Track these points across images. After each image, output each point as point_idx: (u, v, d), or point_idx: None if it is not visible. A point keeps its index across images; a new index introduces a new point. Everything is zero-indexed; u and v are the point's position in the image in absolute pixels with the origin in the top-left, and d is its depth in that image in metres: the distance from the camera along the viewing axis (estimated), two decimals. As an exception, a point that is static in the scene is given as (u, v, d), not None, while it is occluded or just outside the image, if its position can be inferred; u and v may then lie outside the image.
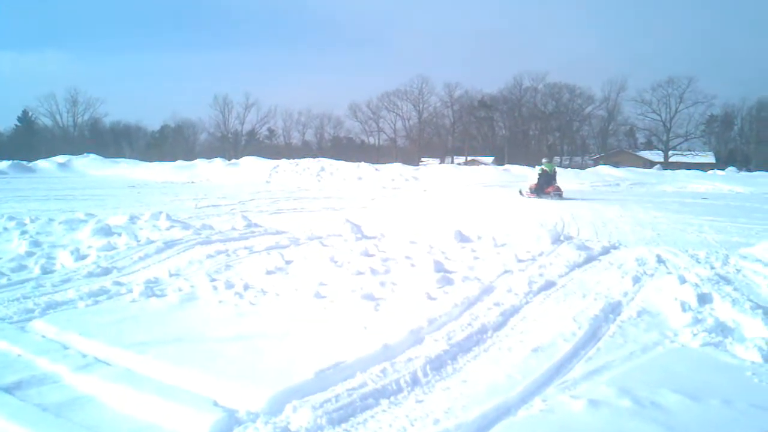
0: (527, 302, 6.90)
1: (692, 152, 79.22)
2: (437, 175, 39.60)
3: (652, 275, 8.16)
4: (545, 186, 25.01)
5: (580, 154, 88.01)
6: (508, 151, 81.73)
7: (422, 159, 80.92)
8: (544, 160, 27.30)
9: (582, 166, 62.70)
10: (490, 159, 78.79)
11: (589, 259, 9.06)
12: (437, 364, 5.11)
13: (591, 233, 13.48)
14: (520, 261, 8.67)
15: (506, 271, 8.09)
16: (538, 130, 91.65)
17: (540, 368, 5.03)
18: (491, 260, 8.72)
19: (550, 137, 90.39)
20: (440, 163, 73.39)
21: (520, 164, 48.34)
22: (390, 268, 8.21)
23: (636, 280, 7.79)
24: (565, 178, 38.67)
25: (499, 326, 6.12)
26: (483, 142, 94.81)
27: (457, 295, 6.95)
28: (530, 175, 39.81)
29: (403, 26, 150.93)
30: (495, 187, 31.70)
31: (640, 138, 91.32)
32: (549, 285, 7.60)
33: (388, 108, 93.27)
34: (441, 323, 6.06)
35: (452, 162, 78.32)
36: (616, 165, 51.85)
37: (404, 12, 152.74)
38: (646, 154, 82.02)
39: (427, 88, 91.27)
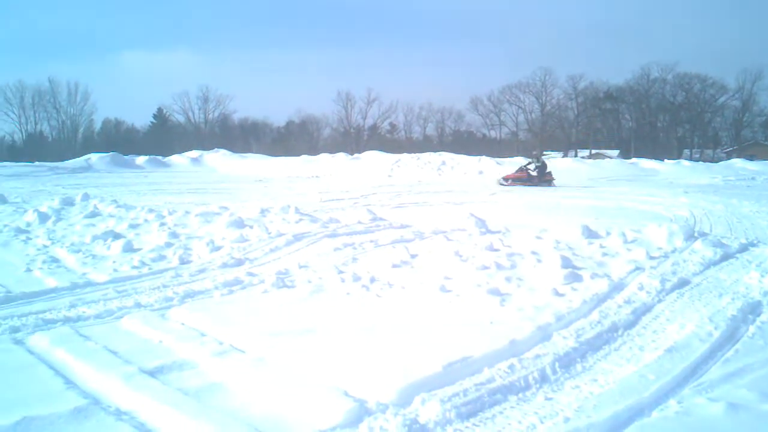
0: (660, 300, 6.67)
1: (837, 143, 74.23)
2: (560, 168, 38.83)
3: (795, 274, 7.72)
4: (542, 175, 28.68)
5: (712, 147, 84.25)
6: (635, 144, 79.19)
7: (544, 152, 79.47)
8: (539, 153, 32.82)
9: (714, 160, 60.06)
10: (615, 152, 76.57)
11: (725, 257, 8.65)
12: (566, 362, 5.04)
13: (725, 229, 12.92)
14: (651, 258, 8.38)
15: (637, 268, 7.83)
16: (667, 122, 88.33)
17: (674, 369, 4.86)
18: (621, 257, 8.47)
19: (679, 129, 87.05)
20: (563, 156, 71.77)
21: (648, 157, 46.76)
22: (516, 263, 8.11)
23: (777, 279, 7.38)
24: (695, 172, 37.18)
25: (630, 325, 5.96)
26: (608, 135, 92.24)
27: (585, 291, 6.81)
28: (659, 168, 38.58)
29: (526, 18, 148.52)
30: (621, 182, 30.74)
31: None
32: (683, 283, 7.31)
33: (509, 101, 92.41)
34: (569, 320, 5.96)
35: (576, 155, 76.42)
36: (751, 158, 49.48)
37: (527, 3, 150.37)
38: (785, 146, 77.56)
39: (550, 80, 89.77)
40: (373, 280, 7.57)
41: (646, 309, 6.40)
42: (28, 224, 12.25)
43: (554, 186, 27.71)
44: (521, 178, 28.48)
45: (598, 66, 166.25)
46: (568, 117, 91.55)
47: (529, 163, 29.63)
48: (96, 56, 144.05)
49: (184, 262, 9.01)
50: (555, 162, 44.05)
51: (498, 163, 40.43)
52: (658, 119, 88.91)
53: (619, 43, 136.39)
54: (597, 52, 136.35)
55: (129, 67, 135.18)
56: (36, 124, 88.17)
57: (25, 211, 13.74)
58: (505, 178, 29.21)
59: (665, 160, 43.79)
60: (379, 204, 18.64)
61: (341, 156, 50.65)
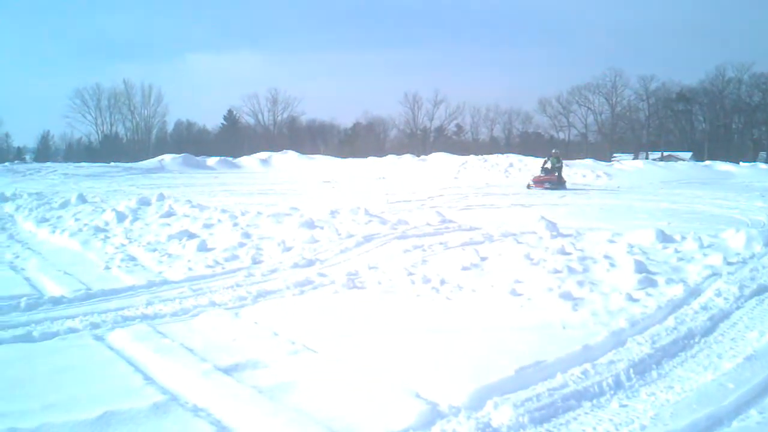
0: (738, 307, 6.50)
1: None
2: (631, 171, 38.11)
3: None
4: (560, 177, 28.31)
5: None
6: (708, 146, 77.10)
7: (614, 155, 78.04)
8: (558, 153, 31.02)
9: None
10: (687, 154, 74.78)
11: (807, 263, 8.37)
12: (641, 368, 4.96)
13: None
14: (729, 263, 8.16)
15: (714, 274, 7.63)
16: (742, 124, 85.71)
17: (755, 377, 4.73)
18: (697, 262, 8.27)
19: (755, 131, 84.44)
20: (633, 158, 70.35)
21: (722, 160, 45.47)
22: (588, 267, 8.00)
23: None
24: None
25: (707, 331, 5.82)
26: (680, 137, 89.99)
27: (660, 297, 6.69)
28: (734, 171, 37.49)
29: (595, 18, 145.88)
30: (694, 185, 29.97)
31: None
32: (762, 289, 7.09)
33: (578, 102, 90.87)
34: (644, 326, 5.85)
35: (647, 157, 74.86)
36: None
37: (596, 3, 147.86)
38: None
39: (621, 81, 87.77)
40: (443, 282, 7.57)
41: (724, 315, 6.25)
42: (107, 223, 12.62)
43: (566, 188, 27.44)
44: (551, 181, 27.69)
45: (670, 66, 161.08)
46: (638, 118, 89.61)
47: (546, 162, 28.92)
48: (169, 59, 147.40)
49: (256, 261, 9.16)
50: (625, 164, 43.26)
51: (567, 165, 39.86)
52: (732, 120, 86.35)
53: (692, 42, 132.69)
54: (669, 51, 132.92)
55: (200, 69, 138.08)
56: (111, 125, 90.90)
57: (104, 210, 14.15)
58: (535, 181, 28.33)
59: (740, 163, 42.56)
60: (447, 206, 18.58)
61: (408, 157, 50.69)
